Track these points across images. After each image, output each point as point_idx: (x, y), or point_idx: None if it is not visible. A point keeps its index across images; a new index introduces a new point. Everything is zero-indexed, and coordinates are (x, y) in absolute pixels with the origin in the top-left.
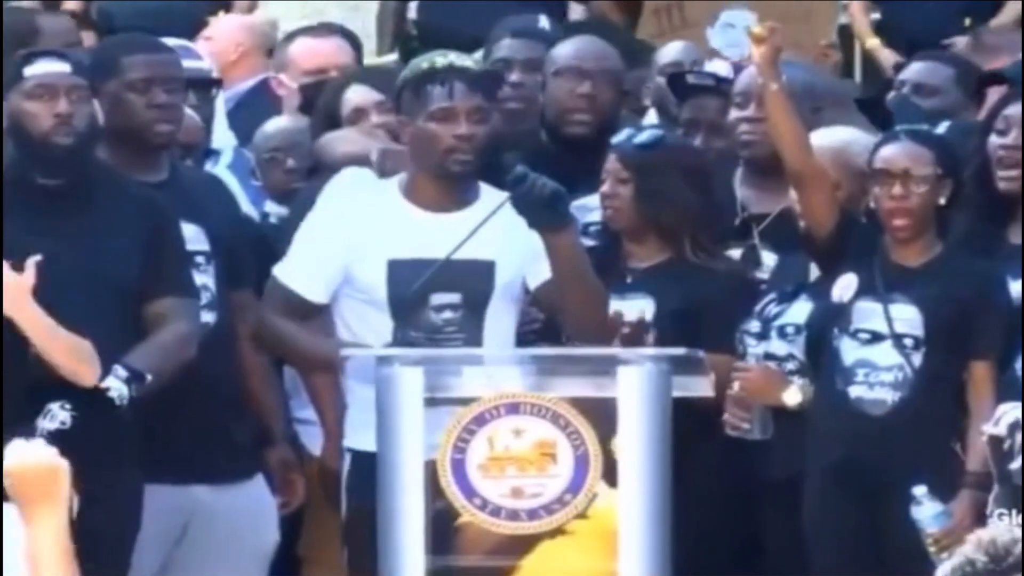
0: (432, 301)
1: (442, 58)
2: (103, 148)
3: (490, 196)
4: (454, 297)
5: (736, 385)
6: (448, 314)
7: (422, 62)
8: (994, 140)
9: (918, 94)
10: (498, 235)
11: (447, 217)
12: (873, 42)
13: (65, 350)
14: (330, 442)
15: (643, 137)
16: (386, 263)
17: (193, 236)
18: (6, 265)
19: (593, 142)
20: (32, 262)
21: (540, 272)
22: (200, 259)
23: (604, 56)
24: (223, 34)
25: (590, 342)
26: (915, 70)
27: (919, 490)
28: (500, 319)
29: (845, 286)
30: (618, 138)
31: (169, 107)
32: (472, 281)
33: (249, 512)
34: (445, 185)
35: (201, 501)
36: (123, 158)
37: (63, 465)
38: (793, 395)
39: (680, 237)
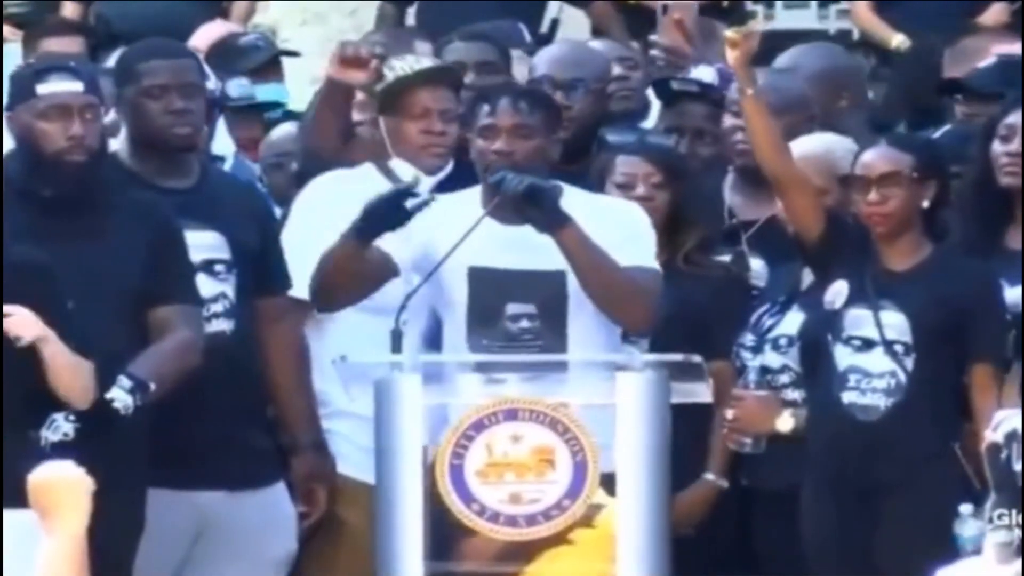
0: (508, 311)
1: (402, 62)
2: (130, 155)
3: (572, 202)
4: (529, 307)
5: (731, 413)
6: (525, 323)
7: (393, 69)
8: (997, 147)
9: None
10: None
11: (522, 229)
12: (899, 38)
13: (70, 370)
14: (300, 452)
15: (661, 139)
16: (467, 270)
17: (215, 243)
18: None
19: (570, 149)
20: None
21: None
22: (220, 267)
23: (582, 63)
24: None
25: (642, 335)
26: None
27: (965, 508)
28: (587, 326)
29: (837, 292)
30: (625, 138)
31: (186, 112)
32: (545, 292)
33: (265, 519)
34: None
35: (215, 507)
36: (150, 164)
37: (83, 480)
38: (786, 421)
39: (688, 241)
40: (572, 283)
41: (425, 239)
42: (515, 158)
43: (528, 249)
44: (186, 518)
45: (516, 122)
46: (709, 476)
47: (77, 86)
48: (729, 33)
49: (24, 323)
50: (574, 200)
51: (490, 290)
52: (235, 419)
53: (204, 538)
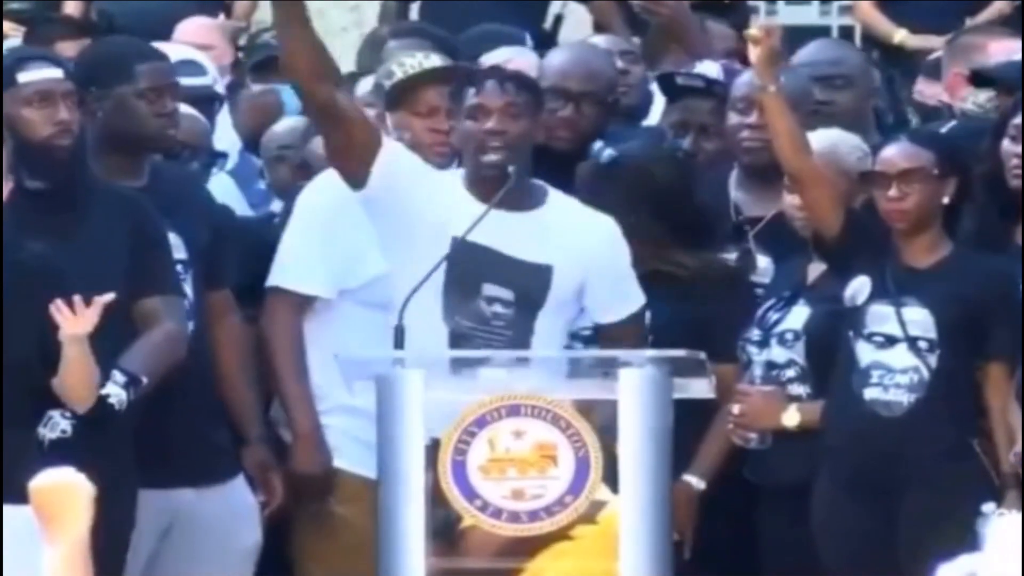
0: (484, 291)
1: (411, 59)
2: (95, 153)
3: (557, 202)
4: (507, 293)
5: (736, 409)
6: (499, 308)
7: (402, 65)
8: (1007, 146)
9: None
10: (562, 241)
11: (514, 215)
12: (902, 33)
13: (85, 374)
14: (305, 446)
15: (604, 156)
16: (451, 239)
17: (172, 243)
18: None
19: (576, 156)
20: (102, 301)
21: (609, 311)
22: (179, 267)
23: (592, 76)
24: (191, 37)
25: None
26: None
27: (988, 507)
28: (552, 322)
29: (858, 288)
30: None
31: (174, 114)
32: (528, 282)
33: (229, 513)
34: (495, 183)
35: (182, 504)
36: (107, 162)
37: (83, 485)
38: (792, 417)
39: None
40: (558, 280)
41: (406, 199)
42: (508, 137)
43: (517, 237)
44: (153, 516)
45: (506, 101)
46: (688, 477)
47: (58, 73)
48: (752, 31)
49: (80, 322)
50: (558, 203)
51: (471, 266)
52: (199, 416)
53: (171, 535)
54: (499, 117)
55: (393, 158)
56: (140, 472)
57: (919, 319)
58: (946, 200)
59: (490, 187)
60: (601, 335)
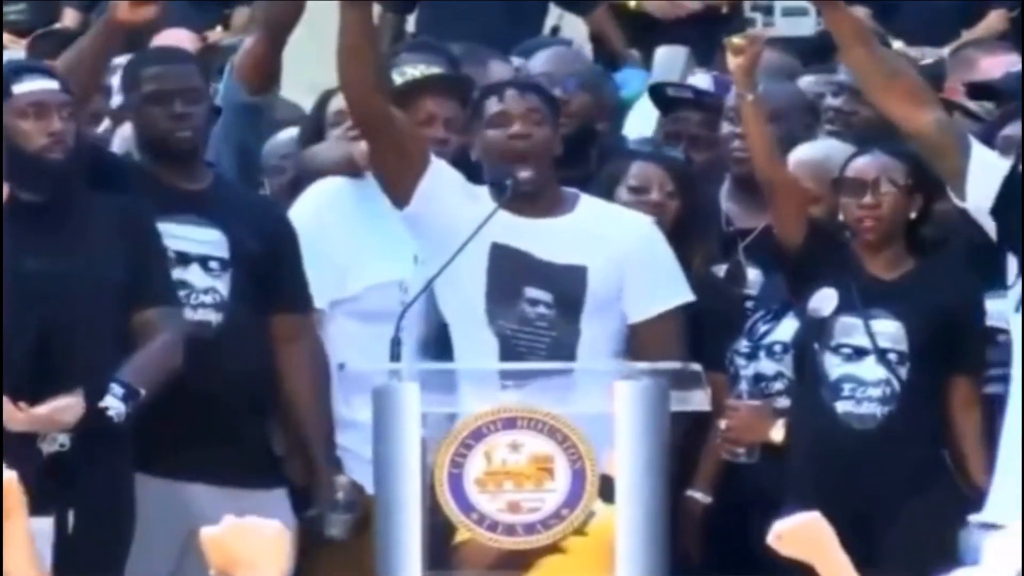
0: (526, 294)
1: (412, 69)
2: (142, 158)
3: (590, 205)
4: (546, 295)
5: (724, 423)
6: (542, 309)
7: (403, 74)
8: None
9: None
10: (596, 242)
11: (540, 222)
12: (897, 45)
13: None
14: (319, 474)
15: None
16: (490, 245)
17: (214, 240)
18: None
19: (571, 146)
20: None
21: (637, 309)
22: (214, 264)
23: (578, 61)
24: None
25: None
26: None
27: (975, 518)
28: (599, 325)
29: (824, 299)
30: (640, 145)
31: (187, 116)
32: (564, 284)
33: None
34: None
35: (206, 501)
36: (162, 167)
37: (11, 479)
38: (779, 432)
39: (695, 257)
40: (594, 281)
41: (450, 217)
42: (533, 141)
43: (548, 241)
44: (179, 512)
45: (528, 107)
46: (693, 493)
47: (53, 84)
48: (735, 39)
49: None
50: (590, 207)
51: (510, 270)
52: (228, 413)
53: (194, 540)
54: (523, 123)
55: (438, 177)
56: (157, 462)
57: (890, 331)
58: (913, 215)
59: (523, 199)
60: (633, 337)
